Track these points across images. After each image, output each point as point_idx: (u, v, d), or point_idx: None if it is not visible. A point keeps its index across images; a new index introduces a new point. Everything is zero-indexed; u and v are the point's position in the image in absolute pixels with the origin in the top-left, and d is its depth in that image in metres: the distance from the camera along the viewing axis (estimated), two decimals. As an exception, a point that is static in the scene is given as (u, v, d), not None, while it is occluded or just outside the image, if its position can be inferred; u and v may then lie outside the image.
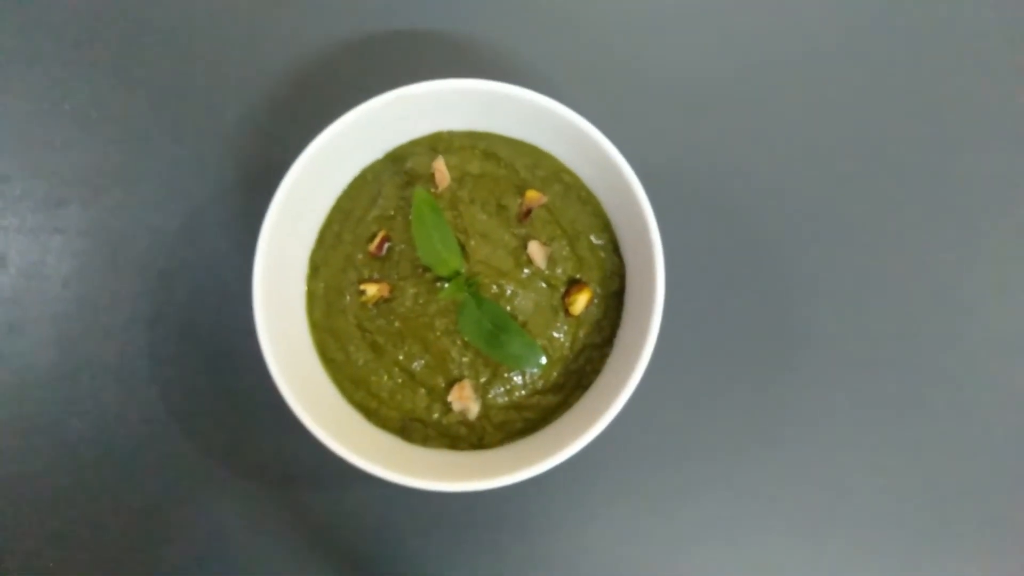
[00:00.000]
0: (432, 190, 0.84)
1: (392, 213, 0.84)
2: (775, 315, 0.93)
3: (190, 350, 0.91)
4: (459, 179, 0.84)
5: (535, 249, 0.82)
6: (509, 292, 0.81)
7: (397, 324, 0.82)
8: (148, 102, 0.96)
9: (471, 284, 0.80)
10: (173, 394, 0.91)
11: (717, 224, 0.95)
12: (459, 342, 0.82)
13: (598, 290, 0.84)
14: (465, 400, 0.81)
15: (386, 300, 0.83)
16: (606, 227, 0.85)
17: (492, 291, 0.81)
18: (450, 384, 0.82)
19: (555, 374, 0.83)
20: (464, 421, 0.82)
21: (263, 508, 0.90)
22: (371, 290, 0.83)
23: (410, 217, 0.80)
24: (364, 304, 0.83)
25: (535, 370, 0.81)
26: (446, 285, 0.81)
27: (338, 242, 0.86)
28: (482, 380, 0.82)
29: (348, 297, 0.84)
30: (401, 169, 0.86)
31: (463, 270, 0.81)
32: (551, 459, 0.75)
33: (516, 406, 0.83)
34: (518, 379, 0.83)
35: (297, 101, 0.96)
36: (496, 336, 0.79)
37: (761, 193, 0.94)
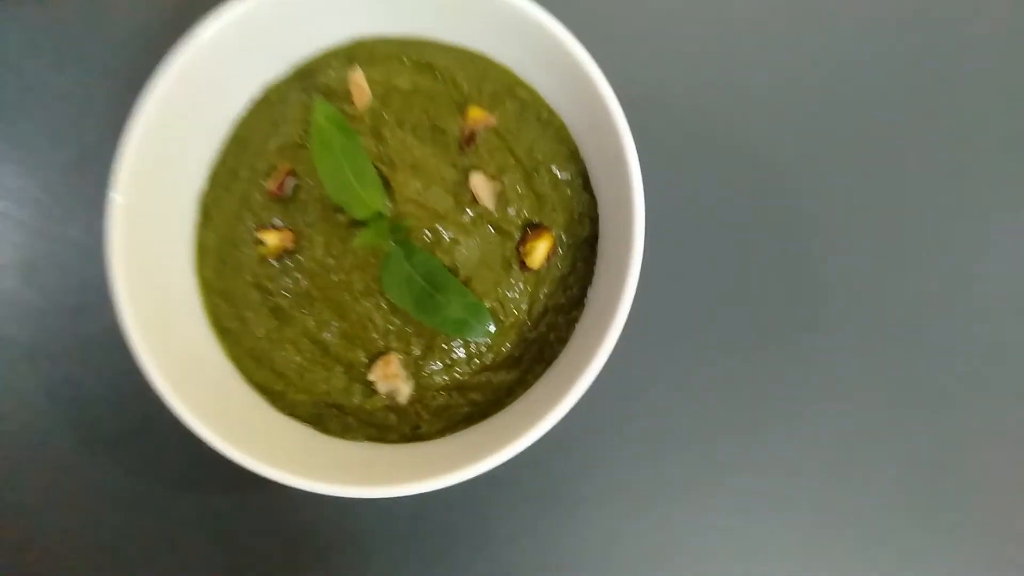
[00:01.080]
0: (348, 110, 0.65)
1: (299, 141, 0.66)
2: (778, 272, 0.75)
3: (63, 326, 0.74)
4: (383, 96, 0.66)
5: (480, 184, 0.64)
6: (447, 240, 0.63)
7: (305, 283, 0.64)
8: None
9: (397, 230, 0.62)
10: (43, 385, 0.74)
11: (712, 159, 0.76)
12: (384, 305, 0.63)
13: (563, 237, 0.65)
14: (392, 379, 0.63)
15: (290, 252, 0.65)
16: (573, 156, 0.66)
17: (425, 239, 0.63)
18: (373, 359, 0.64)
19: (508, 345, 0.65)
20: (393, 406, 0.65)
21: (154, 514, 0.73)
22: (271, 240, 0.64)
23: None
24: (264, 258, 0.65)
25: (482, 340, 0.63)
26: (365, 229, 0.62)
27: (233, 180, 0.67)
28: (414, 353, 0.64)
29: (245, 250, 0.66)
30: (311, 86, 0.67)
31: (386, 211, 0.63)
32: (504, 451, 0.58)
33: (459, 387, 0.65)
34: (460, 352, 0.64)
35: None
36: (430, 297, 0.61)
37: (763, 124, 0.76)
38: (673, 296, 0.75)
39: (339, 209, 0.63)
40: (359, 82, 0.65)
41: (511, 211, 0.64)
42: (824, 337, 0.75)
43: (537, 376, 0.66)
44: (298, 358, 0.65)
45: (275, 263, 0.65)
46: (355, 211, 0.62)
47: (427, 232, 0.63)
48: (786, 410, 0.74)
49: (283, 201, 0.66)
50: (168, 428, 0.69)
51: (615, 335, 0.58)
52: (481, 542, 0.73)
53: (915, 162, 0.77)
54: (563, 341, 0.66)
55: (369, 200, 0.62)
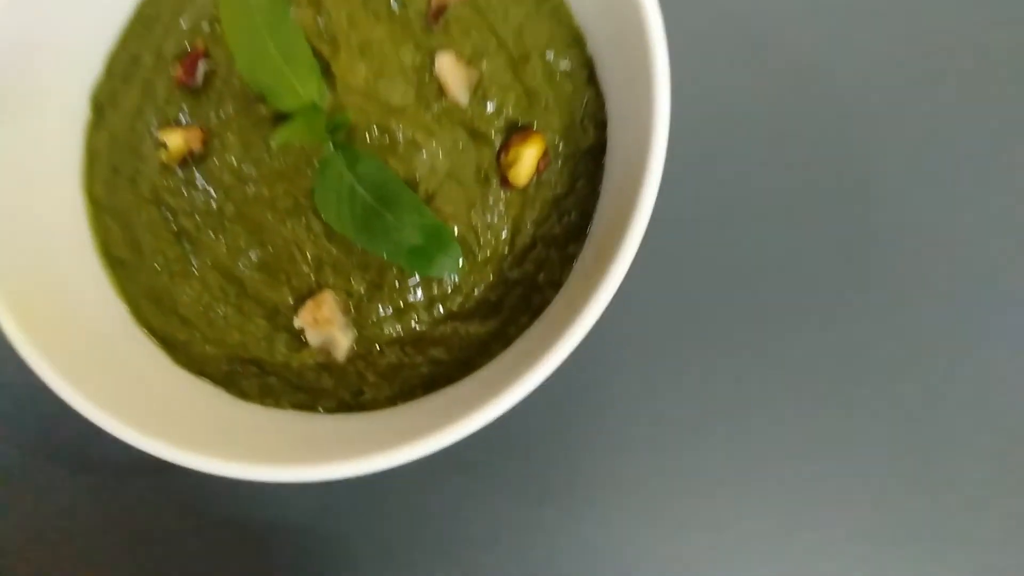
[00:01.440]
0: (280, -25, 0.50)
1: (215, 14, 0.50)
2: (826, 208, 0.58)
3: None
4: (328, -41, 0.50)
5: (450, 69, 0.48)
6: (404, 143, 0.47)
7: (217, 198, 0.49)
8: None
9: (337, 127, 0.46)
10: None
11: (753, 61, 0.60)
12: (317, 227, 0.48)
13: (559, 145, 0.50)
14: (325, 325, 0.47)
15: (199, 157, 0.49)
16: (576, 41, 0.51)
17: (374, 141, 0.47)
18: (302, 299, 0.48)
19: (483, 286, 0.49)
20: (328, 364, 0.49)
21: (47, 499, 0.57)
22: (174, 140, 0.49)
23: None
24: (166, 166, 0.50)
25: (447, 276, 0.47)
26: (292, 119, 0.47)
27: (134, 68, 0.52)
28: (357, 293, 0.48)
29: (143, 155, 0.51)
30: (237, -53, 0.52)
31: (323, 103, 0.47)
32: (472, 417, 0.42)
33: (416, 340, 0.49)
34: (419, 293, 0.49)
35: None
36: (377, 216, 0.45)
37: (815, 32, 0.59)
38: (698, 232, 0.59)
39: (262, 99, 0.48)
40: (295, -63, 0.49)
41: (490, 107, 0.48)
42: (852, 325, 0.58)
43: (521, 330, 0.50)
44: (206, 297, 0.49)
45: (179, 172, 0.50)
46: (280, 100, 0.46)
47: (377, 131, 0.47)
48: (793, 403, 0.58)
49: (193, 92, 0.50)
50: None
51: (621, 271, 0.42)
52: (449, 544, 0.57)
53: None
54: (555, 285, 0.50)
55: (300, 86, 0.46)
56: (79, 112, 0.53)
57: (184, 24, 0.51)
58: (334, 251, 0.48)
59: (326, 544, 0.58)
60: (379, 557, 0.57)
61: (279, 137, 0.45)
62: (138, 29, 0.53)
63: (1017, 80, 0.61)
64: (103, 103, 0.52)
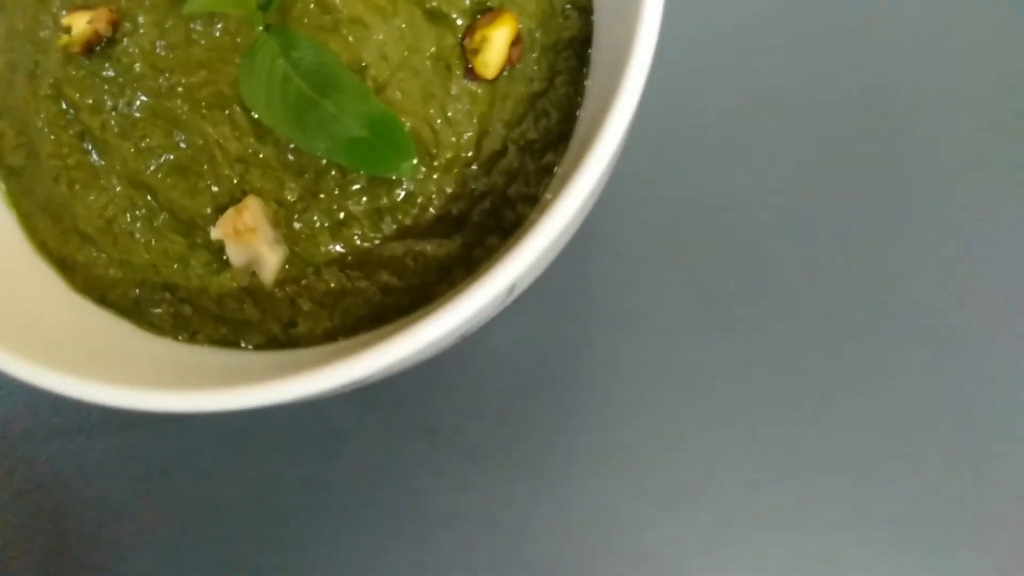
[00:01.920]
0: None
1: None
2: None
3: None
4: None
5: (405, -61, 0.40)
6: (347, 21, 0.39)
7: (127, 89, 0.41)
8: None
9: (268, 1, 0.38)
10: None
11: None
12: (242, 122, 0.40)
13: (535, 33, 0.42)
14: (249, 238, 0.39)
15: (107, 42, 0.42)
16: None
17: (312, 19, 0.40)
18: (223, 209, 0.40)
19: (443, 196, 0.41)
20: (253, 289, 0.40)
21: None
22: (78, 23, 0.41)
23: None
24: (69, 55, 0.42)
25: (398, 177, 0.39)
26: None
27: (38, -55, 0.45)
28: (288, 200, 0.40)
29: (42, 42, 0.43)
30: None
31: (252, -26, 0.39)
32: (416, 335, 0.33)
33: (362, 261, 0.41)
34: (363, 201, 0.40)
35: None
36: (313, 105, 0.37)
37: None
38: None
39: (180, -30, 0.40)
40: None
41: (452, -19, 0.41)
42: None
43: (489, 252, 0.41)
44: (110, 209, 0.41)
45: (84, 61, 0.42)
46: (197, -35, 0.39)
47: (316, 8, 0.40)
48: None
49: (105, -29, 0.43)
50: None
51: (596, 170, 0.33)
52: (406, 522, 0.48)
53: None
54: (531, 200, 0.42)
55: (221, -52, 0.38)
56: (-25, 2, 0.45)
57: None
58: (263, 151, 0.40)
59: (265, 516, 0.49)
60: (327, 532, 0.48)
61: (193, 6, 0.37)
62: (49, -93, 0.46)
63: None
64: (3, -9, 0.45)
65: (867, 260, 0.51)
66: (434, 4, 0.41)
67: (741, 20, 0.54)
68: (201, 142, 0.40)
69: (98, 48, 0.42)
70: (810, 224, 0.51)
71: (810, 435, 0.49)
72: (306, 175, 0.40)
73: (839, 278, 0.51)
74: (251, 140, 0.40)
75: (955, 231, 0.51)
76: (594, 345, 0.51)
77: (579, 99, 0.42)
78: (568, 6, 0.42)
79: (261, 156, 0.40)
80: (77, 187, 0.42)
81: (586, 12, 0.43)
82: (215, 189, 0.40)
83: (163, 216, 0.41)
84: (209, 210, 0.40)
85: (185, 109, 0.40)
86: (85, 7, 0.42)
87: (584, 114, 0.42)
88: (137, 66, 0.41)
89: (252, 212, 0.39)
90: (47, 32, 0.43)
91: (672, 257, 0.51)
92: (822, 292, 0.50)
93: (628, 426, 0.49)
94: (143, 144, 0.41)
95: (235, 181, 0.40)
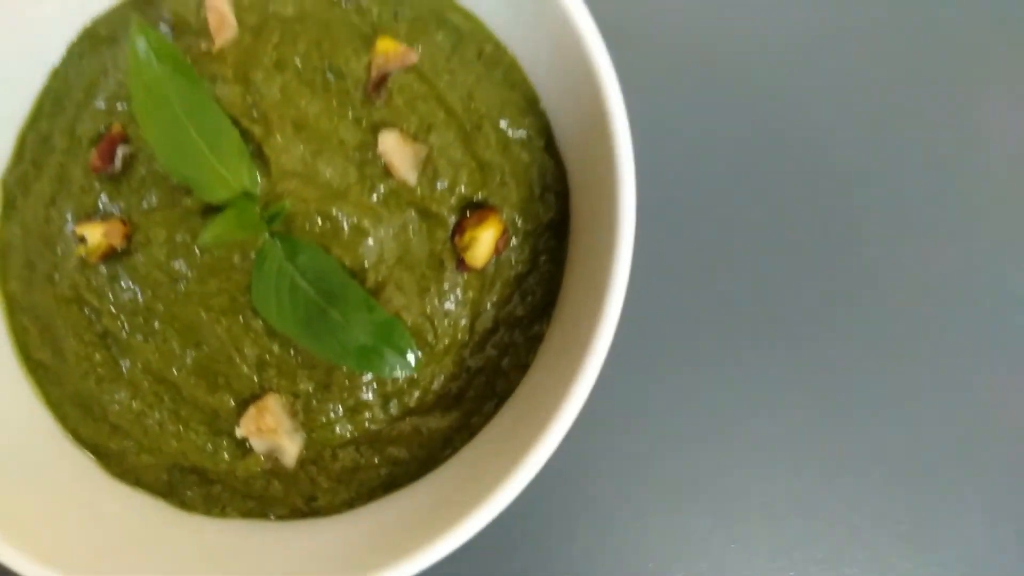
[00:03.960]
0: (204, 47, 0.45)
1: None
2: (788, 256, 0.56)
3: None
4: (257, 27, 0.46)
5: (395, 147, 0.44)
6: (347, 231, 0.43)
7: (144, 296, 0.44)
8: None
9: (273, 216, 0.42)
10: None
11: (712, 105, 0.57)
12: (256, 325, 0.44)
13: (517, 221, 0.46)
14: (269, 433, 0.43)
15: (121, 253, 0.45)
16: (531, 107, 0.47)
17: (315, 230, 0.43)
18: (245, 404, 0.44)
19: (443, 377, 0.45)
20: (276, 470, 0.45)
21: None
22: (93, 235, 0.44)
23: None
24: (86, 262, 0.45)
25: (404, 374, 0.44)
26: (221, 214, 0.43)
27: (46, 151, 0.47)
28: (304, 392, 0.44)
29: (60, 249, 0.46)
30: (155, 16, 0.47)
31: (256, 191, 0.43)
32: (444, 539, 0.39)
33: (372, 440, 0.45)
34: (372, 390, 0.45)
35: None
36: (322, 313, 0.41)
37: (776, 61, 0.57)
38: (663, 288, 0.56)
39: (188, 189, 0.43)
40: (217, 5, 0.45)
41: (441, 184, 0.45)
42: (836, 332, 0.56)
43: (486, 418, 0.46)
44: (138, 404, 0.45)
45: (101, 267, 0.45)
46: (208, 192, 0.42)
47: (317, 217, 0.43)
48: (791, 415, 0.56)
49: (112, 178, 0.46)
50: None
51: (597, 359, 0.39)
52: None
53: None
54: (522, 368, 0.46)
55: (229, 175, 0.42)
56: (-13, 200, 0.48)
57: (98, 103, 0.46)
58: (276, 350, 0.44)
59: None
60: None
61: (207, 236, 0.41)
62: (47, 107, 0.48)
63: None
64: (14, 190, 0.48)
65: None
66: (425, 205, 0.44)
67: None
68: (218, 344, 0.44)
69: (114, 256, 0.45)
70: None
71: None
72: (318, 370, 0.44)
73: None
74: (265, 341, 0.44)
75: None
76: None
77: (560, 273, 0.47)
78: (546, 192, 0.47)
79: (276, 354, 0.44)
80: (104, 383, 0.45)
81: (563, 196, 0.47)
82: (235, 385, 0.44)
83: (188, 408, 0.45)
84: (231, 403, 0.44)
85: (201, 314, 0.44)
86: (98, 216, 0.45)
87: (567, 286, 0.47)
88: (152, 274, 0.44)
89: (272, 413, 0.43)
90: (61, 236, 0.46)
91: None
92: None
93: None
94: (164, 347, 0.44)
95: (254, 379, 0.44)
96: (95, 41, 0.48)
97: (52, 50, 0.49)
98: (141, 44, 0.39)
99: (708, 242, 0.57)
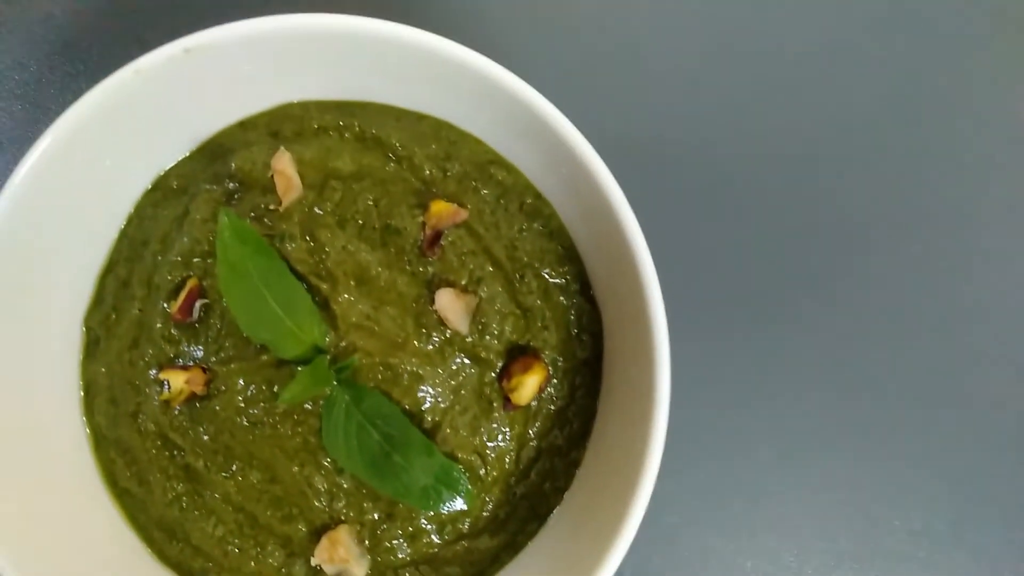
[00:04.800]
0: (271, 207, 0.50)
1: (207, 247, 0.50)
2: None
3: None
4: (319, 185, 0.50)
5: (449, 301, 0.49)
6: (406, 378, 0.48)
7: (223, 437, 0.49)
8: None
9: (342, 370, 0.47)
10: None
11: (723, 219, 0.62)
12: (327, 463, 0.49)
13: (558, 360, 0.51)
14: (340, 561, 0.48)
15: (202, 398, 0.50)
16: (568, 254, 0.52)
17: (378, 378, 0.48)
18: (317, 532, 0.49)
19: (491, 504, 0.51)
20: (344, 589, 0.50)
21: None
22: (176, 381, 0.49)
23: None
24: (168, 403, 0.50)
25: (459, 508, 0.49)
26: (299, 370, 0.47)
27: (125, 296, 0.52)
28: (370, 521, 0.49)
29: (144, 392, 0.51)
30: (223, 171, 0.51)
31: (325, 344, 0.48)
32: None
33: (429, 560, 0.50)
34: (430, 519, 0.50)
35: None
36: (387, 458, 0.46)
37: (776, 179, 0.62)
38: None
39: (264, 348, 0.48)
40: (284, 169, 0.49)
41: (490, 333, 0.49)
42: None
43: (530, 536, 0.51)
44: (220, 530, 0.50)
45: (182, 409, 0.50)
46: (283, 350, 0.47)
47: (381, 370, 0.48)
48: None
49: (191, 327, 0.50)
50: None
51: (646, 492, 0.44)
52: None
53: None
54: (561, 490, 0.52)
55: (303, 333, 0.47)
56: (73, 341, 0.52)
57: (173, 256, 0.50)
58: (345, 485, 0.49)
59: None
60: None
61: (287, 396, 0.46)
62: (124, 251, 0.52)
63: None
64: (97, 331, 0.52)
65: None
66: (475, 351, 0.49)
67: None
68: (292, 480, 0.49)
69: (195, 399, 0.50)
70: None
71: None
72: (382, 501, 0.49)
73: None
74: (335, 477, 0.49)
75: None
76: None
77: (595, 404, 0.52)
78: (582, 333, 0.51)
79: (345, 488, 0.49)
80: (187, 511, 0.50)
81: (597, 335, 0.52)
82: (308, 516, 0.49)
83: (264, 535, 0.50)
84: (304, 531, 0.49)
85: (277, 454, 0.49)
86: (178, 364, 0.50)
87: (604, 417, 0.52)
88: (231, 419, 0.49)
89: (344, 544, 0.48)
90: (143, 378, 0.50)
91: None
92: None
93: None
94: (243, 482, 0.49)
95: (325, 510, 0.49)
96: (167, 192, 0.52)
97: (128, 199, 0.53)
98: (227, 231, 0.44)
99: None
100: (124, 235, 0.53)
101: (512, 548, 0.51)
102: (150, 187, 0.53)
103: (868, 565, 0.60)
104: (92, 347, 0.52)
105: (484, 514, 0.50)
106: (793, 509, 0.61)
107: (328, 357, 0.47)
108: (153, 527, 0.51)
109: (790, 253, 0.63)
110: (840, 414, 0.62)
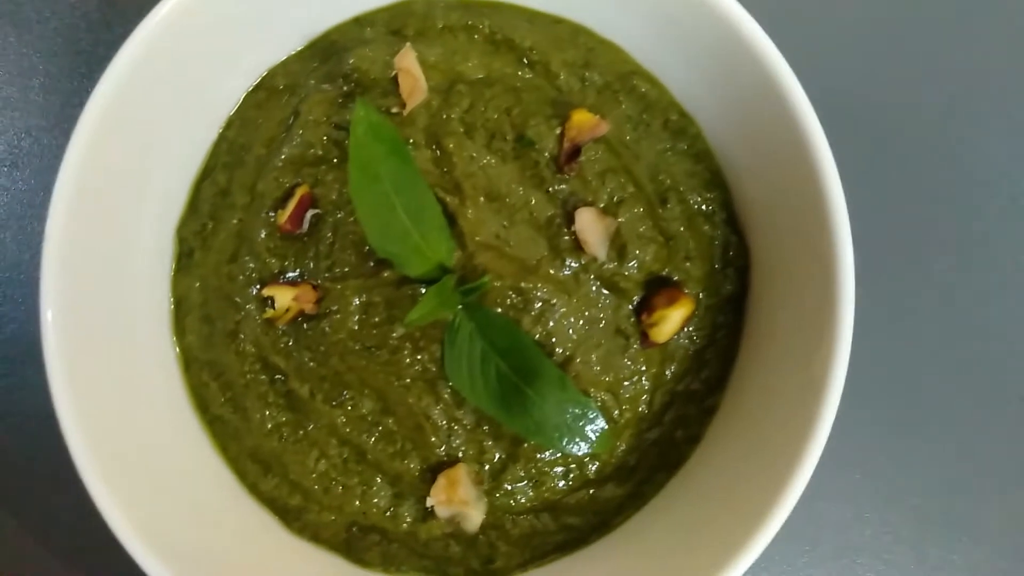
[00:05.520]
0: (393, 110, 0.45)
1: (320, 152, 0.45)
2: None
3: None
4: (445, 89, 0.45)
5: (590, 222, 0.44)
6: (539, 305, 0.43)
7: (333, 361, 0.45)
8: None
9: (469, 291, 0.42)
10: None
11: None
12: (447, 395, 0.44)
13: (700, 296, 0.46)
14: (458, 503, 0.44)
15: (310, 317, 0.45)
16: (715, 179, 0.47)
17: (506, 303, 0.43)
18: (432, 470, 0.45)
19: (621, 450, 0.46)
20: (456, 534, 0.46)
21: None
22: (281, 299, 0.44)
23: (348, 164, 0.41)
24: (271, 323, 0.45)
25: (593, 451, 0.44)
26: (422, 291, 0.43)
27: (224, 205, 0.47)
28: (490, 462, 0.45)
29: (244, 309, 0.46)
30: (337, 70, 0.46)
31: (452, 263, 0.43)
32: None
33: (550, 507, 0.46)
34: (556, 464, 0.45)
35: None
36: (516, 391, 0.42)
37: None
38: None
39: (384, 261, 0.43)
40: (410, 67, 0.44)
41: (631, 263, 0.44)
42: None
43: (657, 488, 0.47)
44: (323, 465, 0.46)
45: (287, 329, 0.45)
46: (409, 267, 0.42)
47: (511, 294, 0.43)
48: None
49: (299, 240, 0.45)
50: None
51: (810, 462, 0.39)
52: None
53: None
54: (694, 440, 0.47)
55: (429, 250, 0.42)
56: (166, 251, 0.48)
57: (280, 161, 0.46)
58: (466, 420, 0.44)
59: None
60: None
61: (414, 316, 0.41)
62: (223, 157, 0.48)
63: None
64: (191, 245, 0.47)
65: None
66: (613, 280, 0.44)
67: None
68: (407, 412, 0.44)
69: (303, 318, 0.45)
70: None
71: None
72: (504, 441, 0.45)
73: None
74: (454, 411, 0.44)
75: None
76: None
77: (737, 347, 0.47)
78: (728, 265, 0.46)
79: (465, 424, 0.44)
80: (288, 443, 0.46)
81: (743, 270, 0.47)
82: (422, 452, 0.45)
83: (372, 471, 0.45)
84: (417, 469, 0.45)
85: (392, 382, 0.44)
86: (285, 279, 0.45)
87: (747, 358, 0.47)
88: (343, 342, 0.44)
89: (463, 485, 0.44)
90: (243, 294, 0.46)
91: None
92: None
93: None
94: (352, 413, 0.45)
95: (441, 448, 0.44)
96: (272, 92, 0.48)
97: (228, 99, 0.48)
98: (362, 126, 0.39)
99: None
100: (223, 138, 0.48)
101: (638, 498, 0.47)
102: (254, 87, 0.48)
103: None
104: (185, 260, 0.48)
105: (613, 460, 0.46)
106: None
107: (454, 277, 0.43)
108: (247, 458, 0.47)
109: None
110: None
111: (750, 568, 0.39)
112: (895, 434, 0.55)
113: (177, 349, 0.48)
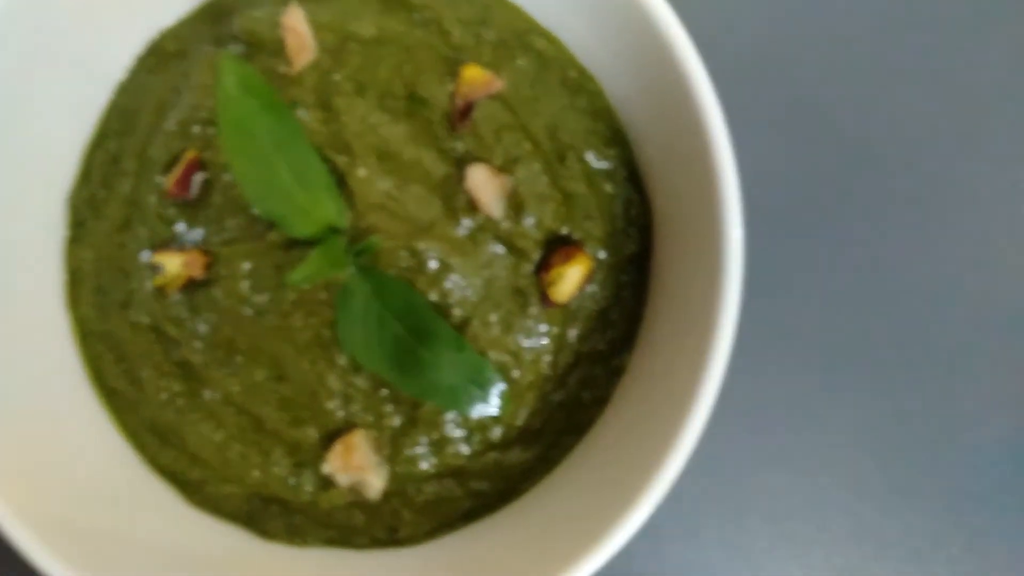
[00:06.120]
0: (281, 70, 0.44)
1: (208, 116, 0.44)
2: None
3: None
4: (335, 49, 0.44)
5: (483, 180, 0.43)
6: (434, 266, 0.43)
7: (225, 328, 0.44)
8: None
9: (360, 252, 0.41)
10: None
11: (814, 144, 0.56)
12: (341, 360, 0.43)
13: (601, 255, 0.45)
14: (356, 468, 0.43)
15: (200, 284, 0.44)
16: (615, 137, 0.46)
17: (401, 265, 0.42)
18: (330, 437, 0.44)
19: (525, 412, 0.45)
20: (359, 502, 0.45)
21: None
22: (171, 264, 0.43)
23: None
24: (162, 291, 0.44)
25: (491, 412, 0.43)
26: (310, 254, 0.42)
27: (116, 173, 0.46)
28: (390, 427, 0.44)
29: (135, 278, 0.45)
30: (227, 32, 0.45)
31: (343, 224, 0.42)
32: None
33: (456, 473, 0.45)
34: (457, 426, 0.45)
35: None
36: (410, 353, 0.41)
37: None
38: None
39: (272, 224, 0.42)
40: (296, 26, 0.43)
41: (527, 219, 0.44)
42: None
43: (565, 451, 0.46)
44: (219, 435, 0.45)
45: (178, 297, 0.44)
46: (295, 228, 0.41)
47: (404, 253, 0.42)
48: None
49: (189, 205, 0.44)
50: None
51: (707, 401, 0.38)
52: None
53: None
54: (601, 401, 0.46)
55: (316, 210, 0.41)
56: (58, 222, 0.47)
57: (170, 125, 0.45)
58: (362, 384, 0.43)
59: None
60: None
61: (297, 276, 0.40)
62: (114, 124, 0.46)
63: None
64: (83, 212, 0.46)
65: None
66: (511, 240, 0.44)
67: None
68: (302, 379, 0.43)
69: (193, 284, 0.44)
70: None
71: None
72: (404, 405, 0.44)
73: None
74: (351, 376, 0.43)
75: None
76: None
77: (642, 306, 0.46)
78: (631, 224, 0.46)
79: (362, 389, 0.43)
80: (184, 413, 0.45)
81: (645, 229, 0.46)
82: (320, 419, 0.44)
83: (270, 440, 0.44)
84: (315, 436, 0.44)
85: (285, 349, 0.43)
86: (175, 245, 0.44)
87: (652, 316, 0.46)
88: (234, 308, 0.43)
89: (360, 450, 0.43)
90: (134, 262, 0.45)
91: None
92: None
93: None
94: (246, 380, 0.44)
95: (339, 413, 0.44)
96: (163, 56, 0.47)
97: (117, 64, 0.47)
98: (230, 79, 0.38)
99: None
100: (115, 105, 0.47)
101: (546, 463, 0.46)
102: (145, 52, 0.47)
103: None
104: (77, 229, 0.47)
105: (517, 424, 0.45)
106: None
107: (344, 239, 0.42)
108: (145, 431, 0.46)
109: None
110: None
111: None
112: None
113: (72, 322, 0.47)
